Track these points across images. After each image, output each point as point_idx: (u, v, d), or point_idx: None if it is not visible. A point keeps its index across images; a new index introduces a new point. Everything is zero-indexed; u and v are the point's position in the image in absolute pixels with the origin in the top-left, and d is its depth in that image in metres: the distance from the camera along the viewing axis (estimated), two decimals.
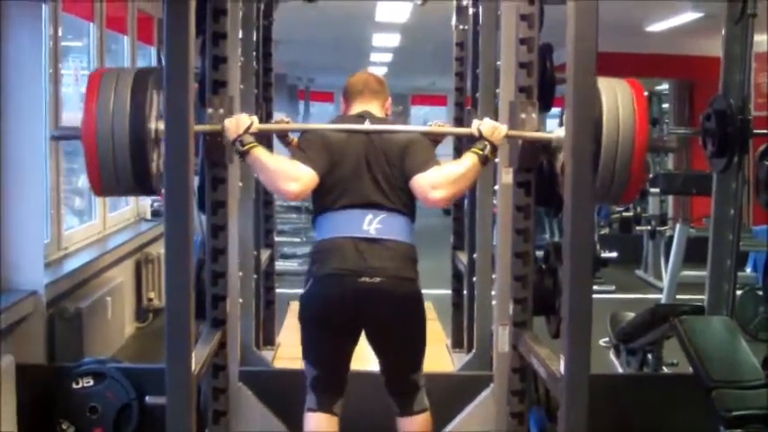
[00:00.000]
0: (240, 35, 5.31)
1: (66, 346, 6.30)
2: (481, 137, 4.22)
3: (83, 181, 8.31)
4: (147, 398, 5.22)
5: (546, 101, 4.60)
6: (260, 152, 4.15)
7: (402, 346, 4.39)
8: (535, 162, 4.42)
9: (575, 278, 3.44)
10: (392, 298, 4.23)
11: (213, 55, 4.52)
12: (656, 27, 12.29)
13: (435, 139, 4.54)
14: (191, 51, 3.49)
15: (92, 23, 7.98)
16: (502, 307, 4.76)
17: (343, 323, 4.27)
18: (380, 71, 21.29)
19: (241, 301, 5.17)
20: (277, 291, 7.44)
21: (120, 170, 3.69)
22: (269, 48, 6.99)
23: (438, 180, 4.18)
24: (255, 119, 4.22)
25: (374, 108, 4.49)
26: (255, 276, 6.56)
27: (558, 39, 3.82)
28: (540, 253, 4.65)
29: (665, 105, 15.87)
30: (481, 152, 4.20)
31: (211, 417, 4.70)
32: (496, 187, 4.88)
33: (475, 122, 4.33)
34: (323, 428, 4.34)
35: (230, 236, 4.69)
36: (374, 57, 18.08)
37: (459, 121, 6.99)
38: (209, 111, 4.34)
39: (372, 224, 4.22)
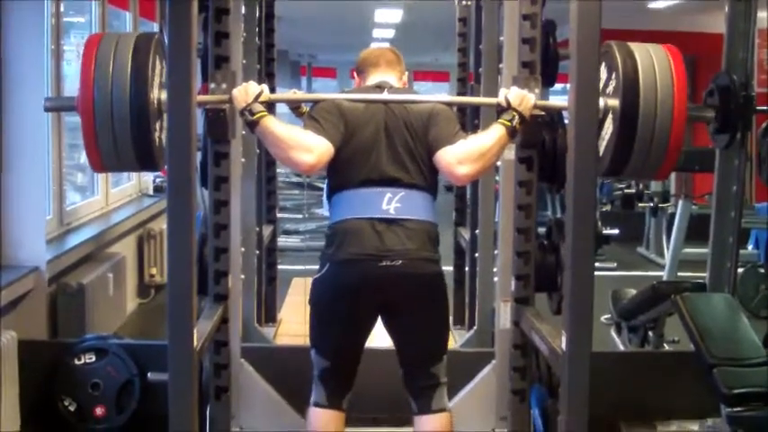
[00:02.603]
0: (243, 11, 5.30)
1: (68, 323, 6.32)
2: (509, 107, 4.02)
3: (85, 156, 8.31)
4: (148, 374, 5.21)
5: (549, 76, 4.58)
6: (270, 122, 3.93)
7: (423, 331, 4.11)
8: (537, 138, 4.40)
9: (576, 255, 3.44)
10: (413, 280, 3.99)
11: (216, 30, 4.50)
12: (660, 4, 12.29)
13: None
14: (193, 27, 3.46)
15: None
16: (504, 283, 4.76)
17: (361, 311, 4.07)
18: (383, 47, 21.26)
19: (243, 277, 5.15)
20: (279, 267, 7.44)
21: (121, 144, 3.60)
22: (271, 24, 6.99)
23: (465, 154, 3.94)
24: (266, 87, 4.03)
25: (392, 79, 4.25)
26: (258, 252, 6.58)
27: (561, 15, 3.80)
28: (542, 229, 4.65)
29: None
30: (509, 124, 3.98)
31: (213, 393, 4.71)
32: (499, 163, 4.87)
33: (502, 91, 4.11)
34: (332, 427, 4.14)
35: (233, 211, 4.68)
36: (376, 33, 18.04)
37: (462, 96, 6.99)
38: (212, 86, 4.29)
39: (392, 203, 3.97)
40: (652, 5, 12.44)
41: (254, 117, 3.93)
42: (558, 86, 4.92)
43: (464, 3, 7.10)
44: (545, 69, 4.50)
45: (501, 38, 4.96)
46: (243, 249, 5.14)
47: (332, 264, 4.02)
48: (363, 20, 15.57)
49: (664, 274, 9.44)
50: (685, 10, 12.35)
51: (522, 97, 4.03)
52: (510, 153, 4.62)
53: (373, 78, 4.26)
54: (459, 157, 3.95)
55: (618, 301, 6.80)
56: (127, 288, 8.04)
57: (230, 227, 4.66)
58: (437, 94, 4.44)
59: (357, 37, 18.92)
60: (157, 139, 3.69)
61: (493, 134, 3.98)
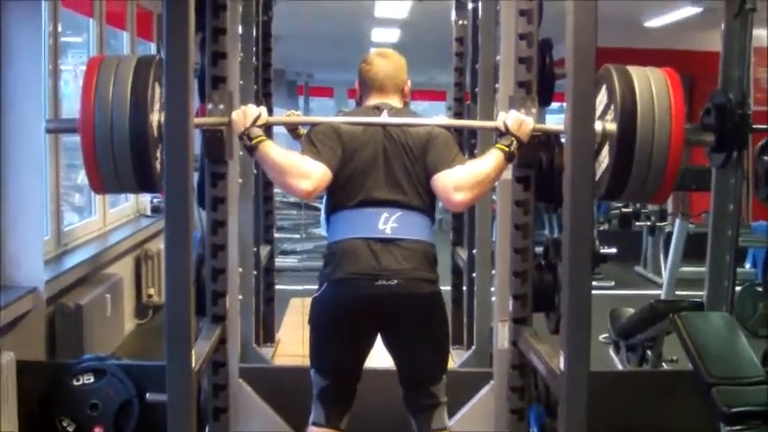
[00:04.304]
0: (240, 31, 5.31)
1: (66, 343, 6.32)
2: (507, 132, 4.02)
3: (83, 177, 8.32)
4: (147, 395, 5.22)
5: (545, 96, 4.58)
6: (269, 147, 3.93)
7: (422, 351, 4.08)
8: (534, 157, 4.40)
9: (574, 274, 3.44)
10: (410, 301, 3.97)
11: (213, 51, 4.51)
12: (656, 22, 12.31)
13: None
14: (190, 47, 3.48)
15: (91, 19, 7.99)
16: (501, 303, 4.75)
17: (359, 330, 4.05)
18: None
19: (241, 297, 5.15)
20: (277, 287, 7.43)
21: (121, 166, 3.60)
22: (268, 43, 7.00)
23: (462, 181, 3.93)
24: (264, 110, 4.02)
25: (394, 101, 4.20)
26: (255, 273, 6.57)
27: (557, 34, 3.81)
28: (539, 249, 4.64)
29: None
30: (507, 149, 3.97)
31: (211, 413, 4.70)
32: (496, 183, 4.87)
33: (501, 115, 4.11)
34: None
35: (230, 232, 4.68)
36: None
37: (458, 116, 7.00)
38: (209, 106, 4.29)
39: (388, 223, 3.96)
40: (648, 24, 12.45)
41: (253, 142, 3.93)
42: (554, 105, 4.93)
43: (461, 22, 7.11)
44: (541, 88, 4.50)
45: (497, 57, 4.96)
46: (240, 270, 5.14)
47: (329, 283, 4.02)
48: (361, 39, 15.58)
49: (661, 293, 9.42)
50: (682, 28, 12.36)
51: (520, 122, 4.02)
52: (507, 173, 4.61)
53: (374, 100, 4.22)
54: (456, 183, 3.93)
55: (616, 320, 6.79)
56: (125, 309, 8.03)
57: (228, 247, 4.65)
58: (436, 117, 4.40)
59: (354, 56, 18.89)
60: (158, 163, 3.69)
61: (490, 160, 3.97)
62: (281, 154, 3.94)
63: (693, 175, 7.49)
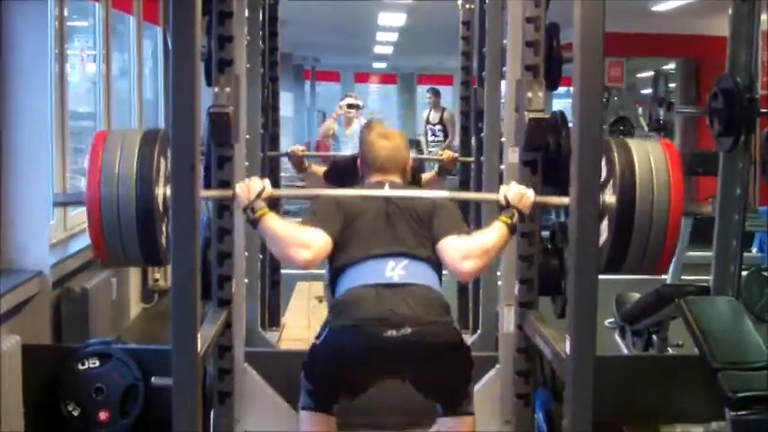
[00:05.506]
0: (246, 14, 5.30)
1: (71, 327, 6.32)
2: (508, 205, 3.98)
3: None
4: (152, 379, 5.23)
5: (553, 80, 4.57)
6: (271, 219, 3.90)
7: (444, 388, 3.99)
8: (542, 141, 4.40)
9: (580, 258, 3.43)
10: (427, 350, 3.81)
11: (219, 34, 4.50)
12: (663, 6, 12.29)
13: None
14: (197, 30, 3.46)
15: (97, 3, 7.97)
16: (507, 287, 4.75)
17: (361, 383, 3.99)
18: (386, 50, 21.23)
19: (247, 281, 5.15)
20: (282, 272, 7.42)
21: (127, 241, 3.60)
22: (275, 27, 6.98)
23: (469, 250, 3.91)
24: (267, 182, 3.98)
25: (395, 177, 4.29)
26: (261, 257, 6.56)
27: (565, 17, 3.80)
28: (546, 233, 4.64)
29: (672, 85, 15.90)
30: (509, 221, 3.93)
31: (217, 397, 4.70)
32: (503, 166, 4.86)
33: (502, 189, 4.07)
34: (324, 427, 4.04)
35: (236, 216, 4.67)
36: (380, 36, 18.05)
37: (465, 100, 7.01)
38: (216, 90, 4.28)
39: (396, 270, 3.91)
40: (655, 8, 12.44)
41: (256, 215, 3.90)
42: (561, 90, 4.92)
43: (467, 6, 7.08)
44: (548, 72, 4.49)
45: (504, 41, 4.95)
46: (246, 253, 5.14)
47: (331, 330, 3.90)
48: (367, 23, 15.57)
49: (667, 278, 9.42)
50: (689, 13, 12.35)
51: (521, 195, 3.99)
52: (514, 156, 4.61)
53: (377, 178, 4.28)
54: (464, 252, 3.92)
55: (622, 304, 6.78)
56: (130, 293, 8.04)
57: (234, 231, 4.66)
58: (439, 191, 4.47)
59: (361, 40, 18.91)
60: (164, 240, 3.69)
61: (495, 232, 3.94)
62: (282, 225, 3.95)
63: (700, 160, 7.49)
